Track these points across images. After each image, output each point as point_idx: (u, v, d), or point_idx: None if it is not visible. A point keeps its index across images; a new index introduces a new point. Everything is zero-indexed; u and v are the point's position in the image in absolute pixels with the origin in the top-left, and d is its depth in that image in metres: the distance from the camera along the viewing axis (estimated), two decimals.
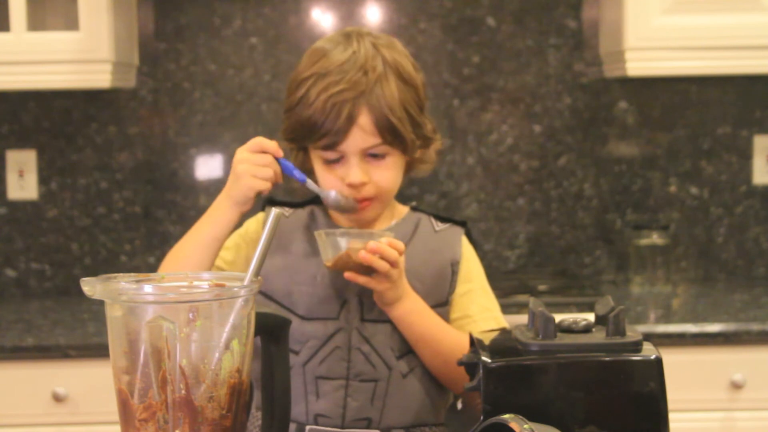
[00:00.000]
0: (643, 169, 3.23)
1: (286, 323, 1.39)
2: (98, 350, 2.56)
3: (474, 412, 1.38)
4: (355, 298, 1.79)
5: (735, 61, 2.89)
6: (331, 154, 1.78)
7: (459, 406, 1.50)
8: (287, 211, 1.89)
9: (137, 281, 1.28)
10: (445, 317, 1.85)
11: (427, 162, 1.89)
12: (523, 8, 3.20)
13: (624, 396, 1.35)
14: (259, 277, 1.30)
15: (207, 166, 3.22)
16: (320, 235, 1.73)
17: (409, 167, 1.87)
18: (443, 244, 1.87)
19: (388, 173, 1.79)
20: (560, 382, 1.35)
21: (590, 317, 1.44)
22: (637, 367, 1.35)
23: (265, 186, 1.74)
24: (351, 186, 1.78)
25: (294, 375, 1.76)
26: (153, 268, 3.15)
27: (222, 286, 1.28)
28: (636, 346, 1.37)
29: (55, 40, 2.86)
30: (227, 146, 3.19)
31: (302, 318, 1.79)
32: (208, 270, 1.76)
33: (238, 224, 1.86)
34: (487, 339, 1.45)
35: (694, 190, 3.24)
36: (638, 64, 2.89)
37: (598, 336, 1.39)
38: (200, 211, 3.13)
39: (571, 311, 2.69)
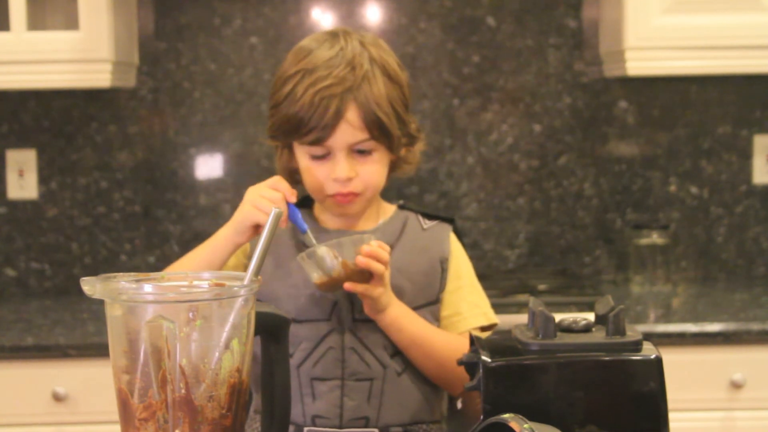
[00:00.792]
0: (643, 169, 3.23)
1: (286, 323, 1.39)
2: (98, 350, 2.56)
3: (474, 411, 1.38)
4: (346, 299, 1.80)
5: (735, 60, 2.89)
6: (318, 150, 1.78)
7: (459, 405, 1.50)
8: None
9: (137, 281, 1.28)
10: (436, 315, 1.86)
11: (411, 162, 1.89)
12: (523, 8, 3.20)
13: (624, 396, 1.35)
14: (259, 277, 1.30)
15: (207, 166, 3.22)
16: (303, 258, 1.73)
17: (393, 167, 1.87)
18: (432, 242, 1.88)
19: (374, 168, 1.79)
20: (560, 381, 1.34)
21: (590, 317, 1.44)
22: (637, 367, 1.35)
23: (265, 220, 1.70)
24: (338, 181, 1.77)
25: None
26: (153, 268, 3.15)
27: (222, 285, 1.28)
28: (636, 346, 1.37)
29: (55, 40, 2.85)
30: (227, 146, 3.19)
31: (293, 320, 1.79)
32: None
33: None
34: (486, 338, 1.45)
35: (694, 190, 3.24)
36: (638, 64, 2.89)
37: (598, 335, 1.39)
38: (200, 211, 3.22)
39: (571, 311, 2.69)
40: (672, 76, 3.12)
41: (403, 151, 1.85)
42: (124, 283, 1.26)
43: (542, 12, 3.21)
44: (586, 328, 1.41)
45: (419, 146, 1.89)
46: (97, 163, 3.20)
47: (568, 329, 1.41)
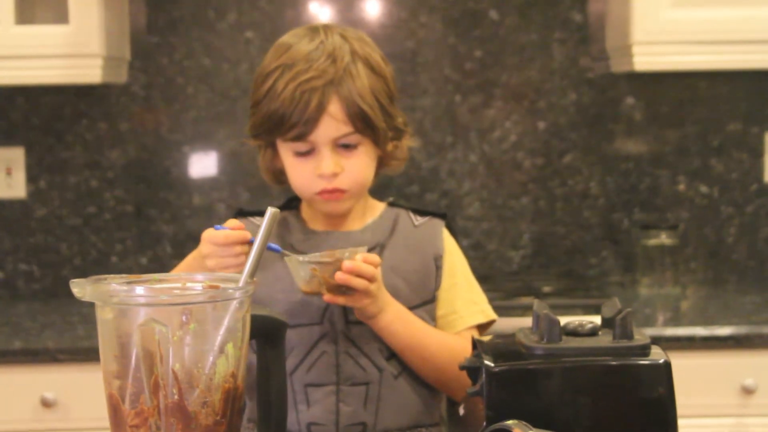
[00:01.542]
0: (651, 167, 3.23)
1: (283, 326, 1.40)
2: (88, 354, 2.55)
3: (476, 417, 1.39)
4: None
5: (745, 55, 2.90)
6: (301, 146, 1.78)
7: (461, 411, 1.50)
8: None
9: (128, 283, 1.30)
10: (432, 314, 1.87)
11: (400, 158, 1.90)
12: (527, 1, 3.21)
13: (631, 401, 1.36)
14: (255, 279, 1.32)
15: (201, 164, 3.23)
16: (291, 260, 1.72)
17: (381, 163, 1.87)
18: (424, 239, 1.88)
19: (361, 163, 1.80)
20: (565, 387, 1.35)
21: (596, 320, 1.45)
22: (645, 372, 1.37)
23: (237, 269, 1.69)
24: (323, 177, 1.78)
25: None
26: (145, 269, 3.16)
27: (216, 287, 1.31)
28: (644, 350, 1.38)
29: (44, 34, 2.86)
30: (222, 143, 3.20)
31: None
32: None
33: None
34: (489, 342, 1.47)
35: (703, 189, 3.23)
36: (646, 59, 2.89)
37: (605, 339, 1.40)
38: (193, 210, 3.21)
39: (576, 314, 2.68)
40: (681, 72, 3.12)
41: (390, 146, 1.86)
42: (115, 285, 1.27)
43: (547, 5, 3.21)
44: (593, 332, 1.41)
45: (407, 141, 1.90)
46: (88, 161, 3.20)
47: (573, 333, 1.41)
